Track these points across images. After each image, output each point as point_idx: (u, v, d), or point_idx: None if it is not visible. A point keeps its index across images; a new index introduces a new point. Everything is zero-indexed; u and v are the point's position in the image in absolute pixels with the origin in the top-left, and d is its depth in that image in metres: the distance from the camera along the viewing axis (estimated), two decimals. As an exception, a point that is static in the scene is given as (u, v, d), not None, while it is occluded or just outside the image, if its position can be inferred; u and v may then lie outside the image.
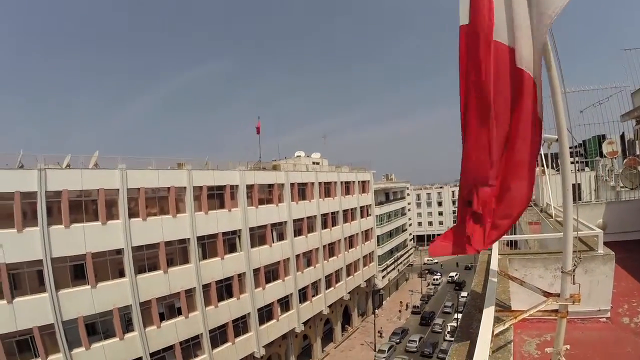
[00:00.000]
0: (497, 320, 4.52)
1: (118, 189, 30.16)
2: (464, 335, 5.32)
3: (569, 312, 4.00)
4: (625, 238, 7.10)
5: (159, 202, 33.37)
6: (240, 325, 40.26)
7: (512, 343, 4.71)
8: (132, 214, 31.05)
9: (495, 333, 4.11)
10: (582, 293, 6.83)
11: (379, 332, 61.77)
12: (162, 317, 32.87)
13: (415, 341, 56.26)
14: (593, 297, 7.16)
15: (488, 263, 8.19)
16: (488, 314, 4.27)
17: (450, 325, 58.59)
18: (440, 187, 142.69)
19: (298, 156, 60.81)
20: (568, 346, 4.01)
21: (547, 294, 4.43)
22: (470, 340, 5.12)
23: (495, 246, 7.31)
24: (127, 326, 30.72)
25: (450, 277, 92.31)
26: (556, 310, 4.01)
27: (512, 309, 5.48)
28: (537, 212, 19.18)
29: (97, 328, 29.22)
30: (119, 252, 30.22)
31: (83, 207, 28.65)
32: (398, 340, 58.54)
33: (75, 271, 28.18)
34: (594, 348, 6.27)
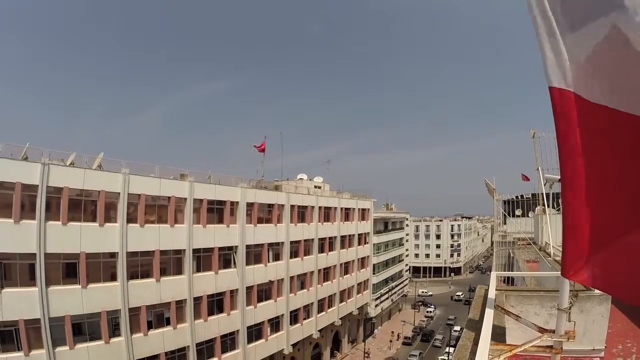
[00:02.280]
0: (492, 353, 4.52)
1: (119, 193, 30.39)
2: None
3: (564, 350, 4.06)
4: None
5: (158, 210, 33.64)
6: (228, 342, 39.99)
7: None
8: (131, 219, 31.22)
9: None
10: (577, 332, 7.02)
11: (366, 353, 61.87)
12: (150, 325, 32.72)
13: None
14: (588, 336, 7.34)
15: (485, 297, 8.35)
16: (483, 345, 4.31)
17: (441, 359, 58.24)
18: (440, 220, 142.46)
19: (300, 179, 61.07)
20: None
21: (542, 330, 4.50)
22: None
23: (493, 281, 7.51)
24: (114, 330, 30.61)
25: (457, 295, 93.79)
26: (551, 347, 4.05)
27: (507, 343, 5.54)
28: (536, 250, 19.43)
29: (84, 329, 29.16)
30: (113, 255, 30.32)
31: (82, 207, 28.86)
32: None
33: (67, 269, 28.26)
34: None
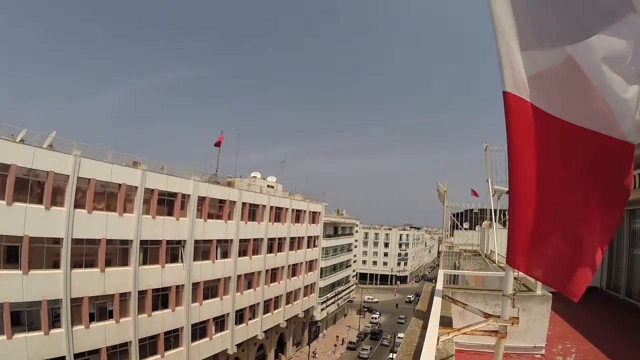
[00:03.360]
0: (441, 334, 4.68)
1: (68, 175, 29.14)
2: (408, 346, 5.59)
3: (506, 347, 4.33)
4: None
5: (107, 197, 32.56)
6: (172, 339, 39.13)
7: (454, 358, 5.04)
8: (78, 204, 30.04)
9: (440, 340, 4.33)
10: (519, 330, 7.60)
11: (313, 353, 63.52)
12: (92, 318, 31.53)
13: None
14: (529, 334, 7.74)
15: (432, 292, 8.74)
16: (433, 325, 4.45)
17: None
18: (389, 229, 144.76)
19: (254, 177, 60.76)
20: None
21: (488, 315, 4.68)
22: (415, 348, 5.46)
23: (440, 277, 7.84)
24: (54, 322, 29.24)
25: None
26: (496, 331, 4.19)
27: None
28: (482, 259, 20.09)
29: (22, 318, 27.66)
30: (58, 241, 28.96)
31: (29, 187, 27.48)
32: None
33: (8, 253, 26.72)
34: None
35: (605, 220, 3.29)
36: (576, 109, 3.15)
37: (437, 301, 5.48)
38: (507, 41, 3.20)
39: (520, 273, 4.04)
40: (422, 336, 5.75)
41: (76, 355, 30.12)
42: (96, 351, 31.78)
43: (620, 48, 2.93)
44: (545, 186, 3.28)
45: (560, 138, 3.23)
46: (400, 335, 70.80)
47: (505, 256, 13.18)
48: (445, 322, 5.83)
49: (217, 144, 48.31)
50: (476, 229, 28.59)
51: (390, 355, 59.89)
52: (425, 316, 6.85)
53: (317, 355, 66.44)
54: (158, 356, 37.24)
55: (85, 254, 30.96)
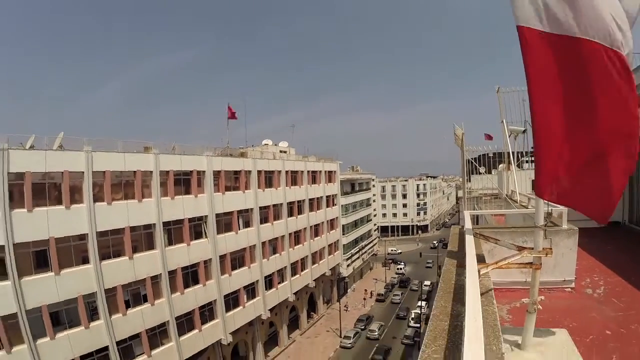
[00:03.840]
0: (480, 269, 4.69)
1: (83, 172, 29.18)
2: (446, 284, 5.52)
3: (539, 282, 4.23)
4: (586, 225, 7.82)
5: (124, 186, 32.59)
6: (207, 313, 40.03)
7: (493, 291, 4.98)
8: (97, 198, 30.17)
9: (480, 273, 4.28)
10: (548, 264, 7.46)
11: (345, 306, 65.83)
12: (128, 305, 32.26)
13: (374, 330, 58.05)
14: (558, 268, 7.84)
15: (460, 234, 8.70)
16: (471, 257, 4.43)
17: (414, 312, 60.22)
18: (405, 180, 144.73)
19: (266, 144, 60.53)
20: (542, 297, 4.27)
21: (521, 248, 4.65)
22: (454, 286, 5.37)
23: (467, 218, 7.72)
24: (92, 315, 30.02)
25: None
26: (530, 263, 4.20)
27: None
28: (504, 199, 19.95)
29: (62, 317, 28.38)
30: (83, 237, 29.33)
31: (46, 190, 27.67)
32: (363, 327, 59.75)
33: (38, 258, 27.15)
34: (562, 313, 6.75)
35: (627, 145, 3.26)
36: (589, 23, 3.10)
37: (470, 239, 5.46)
38: None
39: (546, 209, 4.02)
40: (458, 274, 5.91)
41: (118, 343, 31.02)
42: (137, 336, 32.68)
43: None
44: (567, 114, 3.32)
45: (577, 57, 3.20)
46: (427, 282, 72.17)
47: (527, 195, 13.22)
48: (478, 260, 5.81)
49: (231, 116, 47.71)
50: (493, 173, 28.41)
51: (419, 303, 60.76)
52: (457, 255, 6.93)
53: (348, 309, 68.15)
54: (196, 331, 38.21)
55: (112, 244, 31.33)
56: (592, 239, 8.60)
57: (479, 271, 4.19)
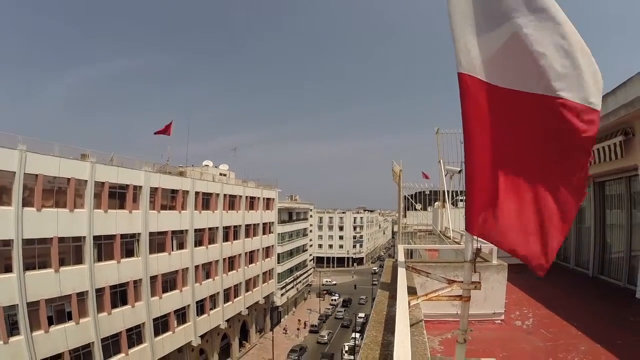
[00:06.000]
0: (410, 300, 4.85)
1: (14, 172, 27.64)
2: (378, 315, 5.80)
3: (469, 314, 4.40)
4: (515, 261, 8.38)
5: (56, 193, 31.12)
6: (135, 336, 38.34)
7: (423, 322, 5.35)
8: (27, 202, 28.61)
9: (410, 305, 4.42)
10: (479, 298, 8.22)
11: (284, 329, 68.81)
12: (51, 322, 30.34)
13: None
14: (489, 301, 8.37)
15: (394, 267, 9.16)
16: (402, 289, 4.64)
17: (347, 345, 60.04)
18: (343, 213, 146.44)
19: (206, 165, 59.82)
20: (472, 329, 4.56)
21: (451, 282, 4.88)
22: (385, 316, 5.70)
23: (400, 251, 8.11)
24: (12, 329, 27.96)
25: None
26: (460, 296, 4.36)
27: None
28: (438, 236, 20.80)
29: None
30: (8, 243, 27.56)
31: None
32: (296, 358, 58.88)
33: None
34: (493, 344, 7.27)
35: (569, 193, 3.26)
36: (531, 77, 3.24)
37: (402, 271, 5.68)
38: (462, 25, 3.46)
39: (476, 245, 4.24)
40: (390, 305, 6.16)
41: (39, 362, 28.89)
42: (59, 356, 30.71)
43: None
44: (502, 156, 3.48)
45: (516, 108, 3.37)
46: (361, 314, 72.27)
47: (459, 232, 13.91)
48: (410, 291, 6.06)
49: (165, 132, 46.58)
50: (428, 210, 29.51)
51: (353, 335, 60.81)
52: (390, 287, 7.19)
53: (287, 332, 70.12)
54: (122, 355, 36.38)
55: (38, 254, 29.60)
56: (522, 274, 9.24)
57: (409, 302, 4.39)
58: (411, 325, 4.45)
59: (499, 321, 8.41)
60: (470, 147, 3.51)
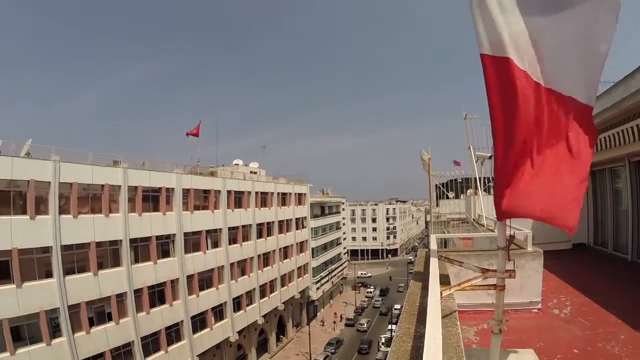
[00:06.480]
0: (442, 290, 4.81)
1: (50, 182, 28.54)
2: (411, 307, 5.72)
3: (505, 303, 4.28)
4: (551, 248, 8.10)
5: (91, 200, 32.07)
6: (173, 334, 39.20)
7: (457, 313, 5.18)
8: (63, 210, 29.52)
9: (442, 295, 4.44)
10: (514, 286, 7.94)
11: (321, 321, 69.81)
12: (92, 323, 31.35)
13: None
14: (525, 290, 8.12)
15: (427, 258, 8.99)
16: (434, 279, 4.62)
17: (384, 337, 59.96)
18: (375, 205, 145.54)
19: (236, 164, 60.40)
20: (507, 318, 4.45)
21: (485, 270, 4.74)
22: (418, 307, 5.59)
23: (433, 241, 7.99)
24: (55, 331, 28.97)
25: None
26: (494, 285, 4.25)
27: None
28: (471, 223, 20.42)
29: (23, 332, 27.33)
30: (47, 250, 28.49)
31: (11, 199, 26.82)
32: (333, 351, 59.17)
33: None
34: (529, 333, 7.03)
35: (579, 173, 3.40)
36: (549, 73, 3.28)
37: (434, 261, 5.61)
38: (485, 4, 3.27)
39: (509, 232, 4.12)
40: (422, 296, 6.01)
41: (82, 361, 30.04)
42: (101, 355, 31.70)
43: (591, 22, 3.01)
44: (525, 141, 3.44)
45: (534, 97, 3.34)
46: (397, 306, 71.90)
47: (492, 219, 13.50)
48: (443, 281, 5.91)
49: (196, 134, 47.45)
50: (461, 198, 29.04)
51: (389, 327, 60.70)
52: (423, 278, 7.01)
53: (325, 324, 71.69)
54: (162, 352, 37.33)
55: (77, 259, 30.58)
56: (559, 260, 8.97)
57: (441, 293, 4.37)
58: (444, 316, 4.48)
59: (536, 310, 8.20)
60: (496, 129, 3.48)
